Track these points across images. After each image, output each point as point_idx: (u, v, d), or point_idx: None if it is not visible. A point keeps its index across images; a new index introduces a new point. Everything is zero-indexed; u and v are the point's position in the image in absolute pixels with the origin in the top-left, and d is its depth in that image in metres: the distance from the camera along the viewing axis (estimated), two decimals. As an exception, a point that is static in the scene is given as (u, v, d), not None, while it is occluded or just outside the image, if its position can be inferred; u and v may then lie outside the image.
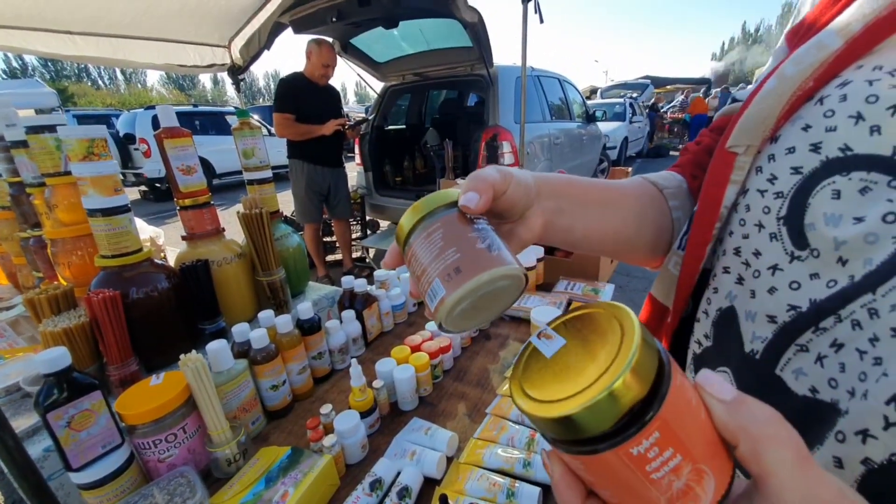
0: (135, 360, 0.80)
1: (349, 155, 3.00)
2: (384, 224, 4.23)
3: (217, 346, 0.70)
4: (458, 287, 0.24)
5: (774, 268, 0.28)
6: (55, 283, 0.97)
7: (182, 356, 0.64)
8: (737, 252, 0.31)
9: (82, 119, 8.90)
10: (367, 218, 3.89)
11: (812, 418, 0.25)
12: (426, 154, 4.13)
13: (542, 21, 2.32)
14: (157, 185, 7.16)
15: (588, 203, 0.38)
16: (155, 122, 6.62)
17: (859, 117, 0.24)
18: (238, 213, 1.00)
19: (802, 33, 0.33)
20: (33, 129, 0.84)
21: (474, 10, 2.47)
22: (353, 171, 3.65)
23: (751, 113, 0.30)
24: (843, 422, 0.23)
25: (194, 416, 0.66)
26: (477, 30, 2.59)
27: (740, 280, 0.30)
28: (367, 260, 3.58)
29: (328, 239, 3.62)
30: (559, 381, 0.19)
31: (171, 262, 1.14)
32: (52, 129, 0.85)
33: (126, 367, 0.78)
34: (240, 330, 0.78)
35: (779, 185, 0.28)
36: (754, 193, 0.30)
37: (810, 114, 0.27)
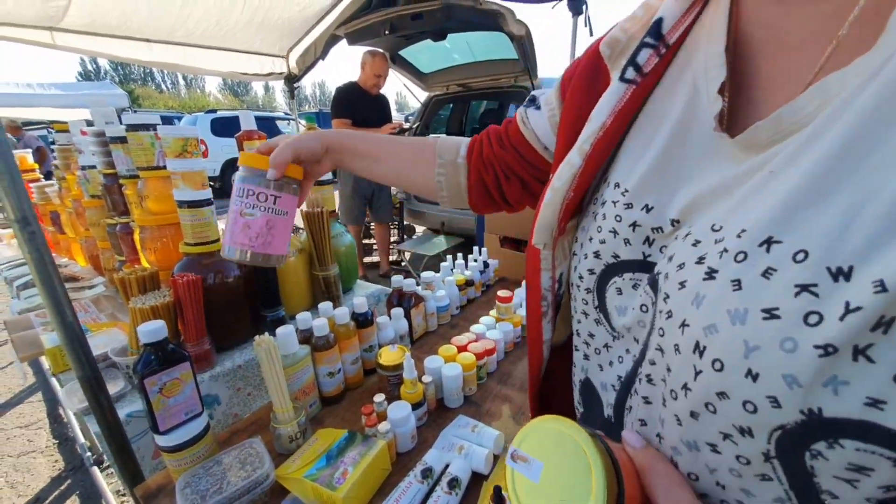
0: (208, 339, 0.87)
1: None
2: (420, 229, 4.31)
3: (285, 331, 0.75)
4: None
5: (606, 346, 0.34)
6: (137, 265, 1.08)
7: (257, 337, 0.70)
8: (577, 334, 0.37)
9: (147, 120, 9.65)
10: (405, 223, 3.98)
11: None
12: (465, 163, 4.17)
13: (591, 34, 2.32)
14: (213, 183, 7.63)
15: (361, 156, 0.55)
16: (213, 125, 7.10)
17: (615, 232, 0.31)
18: (301, 210, 1.07)
19: (571, 88, 0.39)
20: (133, 127, 0.95)
21: (522, 23, 2.51)
22: (394, 177, 3.75)
23: (540, 219, 0.37)
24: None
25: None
26: (524, 43, 2.63)
27: (587, 357, 0.36)
28: (403, 263, 3.66)
29: (367, 241, 3.73)
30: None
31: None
32: (147, 127, 0.95)
33: (200, 346, 0.85)
34: (303, 318, 0.84)
35: (585, 283, 0.35)
36: (574, 288, 0.36)
37: (591, 227, 0.34)
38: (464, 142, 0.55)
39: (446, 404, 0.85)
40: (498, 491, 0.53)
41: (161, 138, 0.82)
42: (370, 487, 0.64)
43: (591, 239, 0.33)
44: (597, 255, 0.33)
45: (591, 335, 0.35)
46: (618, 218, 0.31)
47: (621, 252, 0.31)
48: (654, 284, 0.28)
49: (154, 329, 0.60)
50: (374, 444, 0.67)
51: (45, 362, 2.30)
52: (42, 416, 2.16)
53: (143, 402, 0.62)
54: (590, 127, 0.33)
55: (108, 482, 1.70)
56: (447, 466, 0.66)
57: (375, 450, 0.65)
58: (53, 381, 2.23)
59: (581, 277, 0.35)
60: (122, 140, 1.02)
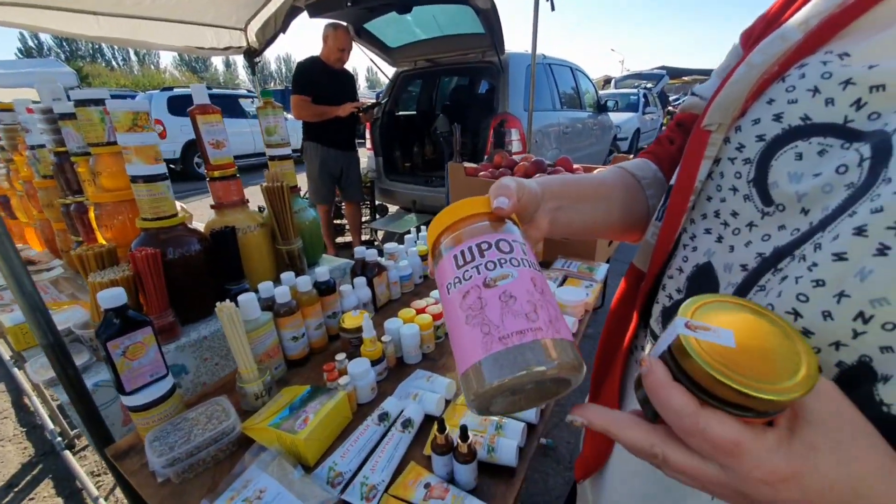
0: (171, 311, 0.90)
1: (359, 140, 3.14)
2: (393, 208, 4.32)
3: (246, 298, 0.79)
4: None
5: (751, 224, 0.32)
6: (94, 244, 1.08)
7: (218, 304, 0.74)
8: (717, 214, 0.35)
9: (99, 99, 9.06)
10: (377, 202, 3.98)
11: None
12: (436, 140, 4.18)
13: (553, 8, 2.35)
14: (172, 166, 7.29)
15: (581, 199, 0.45)
16: (170, 104, 6.74)
17: (816, 91, 0.28)
18: (261, 185, 1.09)
19: (756, 35, 0.39)
20: (81, 103, 0.93)
21: (487, -4, 2.50)
22: (364, 156, 3.73)
23: (722, 95, 0.34)
24: (814, 339, 0.27)
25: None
26: (489, 16, 2.62)
27: (720, 239, 0.34)
28: (376, 242, 3.68)
29: (338, 221, 3.72)
30: (755, 367, 0.22)
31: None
32: (97, 102, 0.94)
33: (164, 318, 0.88)
34: (265, 286, 0.87)
35: (746, 152, 0.32)
36: (726, 162, 0.34)
37: (774, 90, 0.31)
38: (645, 160, 0.52)
39: (406, 361, 0.91)
40: (441, 422, 0.60)
41: (110, 113, 0.82)
42: (331, 432, 0.70)
43: (771, 101, 0.31)
44: (777, 117, 0.30)
45: (735, 214, 0.33)
46: (826, 75, 0.28)
47: (815, 114, 0.28)
48: (882, 149, 0.25)
49: (113, 295, 0.63)
50: (335, 394, 0.72)
51: (5, 352, 2.25)
52: (7, 406, 2.12)
53: (107, 366, 0.66)
54: (818, 6, 0.31)
55: (81, 465, 1.71)
56: (402, 411, 0.73)
57: (335, 399, 0.71)
58: (16, 371, 2.19)
59: (742, 147, 0.32)
60: (72, 116, 1.00)
